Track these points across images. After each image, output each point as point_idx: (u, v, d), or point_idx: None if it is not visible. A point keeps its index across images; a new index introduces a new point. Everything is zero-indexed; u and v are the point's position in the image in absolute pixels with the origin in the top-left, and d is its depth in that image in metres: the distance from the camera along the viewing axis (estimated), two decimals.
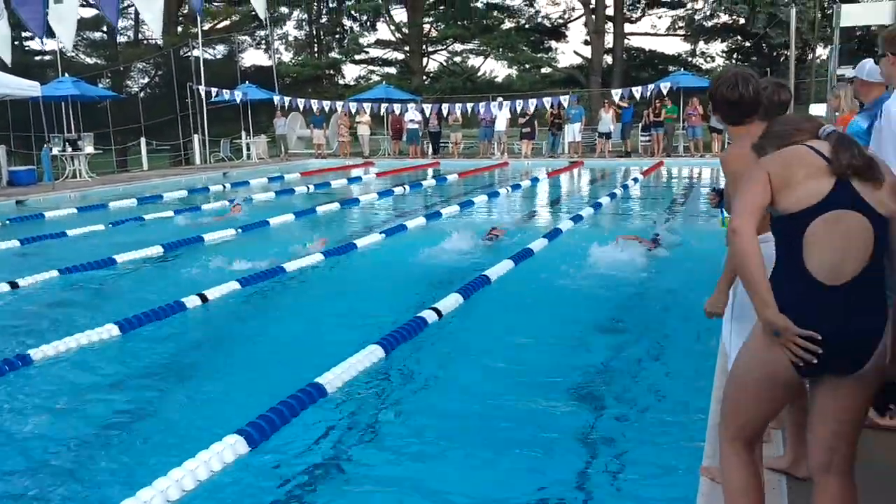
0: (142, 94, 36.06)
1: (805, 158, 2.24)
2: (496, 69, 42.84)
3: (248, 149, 26.15)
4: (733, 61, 36.28)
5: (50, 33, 23.85)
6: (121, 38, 38.84)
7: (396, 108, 24.80)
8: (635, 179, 17.14)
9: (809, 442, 2.43)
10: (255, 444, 3.71)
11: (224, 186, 17.52)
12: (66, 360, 5.37)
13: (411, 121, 24.34)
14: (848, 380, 2.23)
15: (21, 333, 6.16)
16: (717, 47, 36.25)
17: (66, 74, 21.49)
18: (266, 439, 3.78)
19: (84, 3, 19.62)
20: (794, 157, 2.26)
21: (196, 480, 3.34)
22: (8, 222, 12.17)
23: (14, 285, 7.51)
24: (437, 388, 4.72)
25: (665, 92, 22.63)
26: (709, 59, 36.86)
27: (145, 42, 39.48)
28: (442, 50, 40.00)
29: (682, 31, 35.47)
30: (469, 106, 23.87)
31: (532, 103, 23.13)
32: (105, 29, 37.39)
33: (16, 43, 20.85)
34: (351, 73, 41.43)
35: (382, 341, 5.23)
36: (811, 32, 22.71)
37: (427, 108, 24.74)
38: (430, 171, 21.29)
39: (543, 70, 36.57)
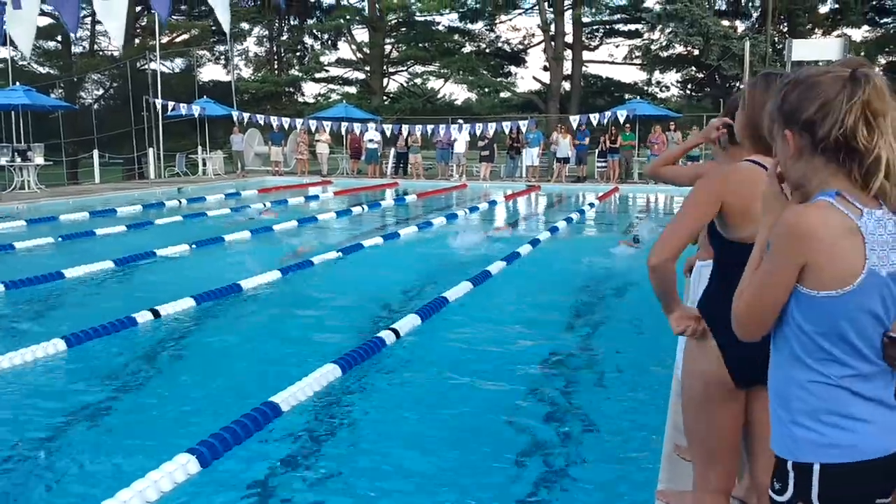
0: (96, 106, 35.44)
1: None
2: (456, 92, 43.23)
3: (204, 164, 25.81)
4: (687, 91, 37.22)
5: (1, 41, 23.39)
6: (76, 49, 38.21)
7: (356, 127, 24.79)
8: (591, 204, 17.37)
9: (750, 464, 2.46)
10: (208, 464, 3.62)
11: (179, 202, 17.24)
12: (11, 374, 5.20)
13: (370, 140, 24.33)
14: None
15: None
16: (672, 77, 37.19)
17: (18, 83, 21.02)
18: (218, 458, 3.70)
19: (41, 11, 19.23)
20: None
21: (145, 501, 3.23)
22: None
23: None
24: (394, 408, 4.68)
25: (622, 119, 23.05)
26: (664, 88, 37.78)
27: (101, 53, 38.88)
28: (403, 71, 40.25)
29: (638, 61, 36.28)
30: (429, 127, 23.98)
31: (492, 127, 23.37)
32: (59, 38, 36.74)
33: None
34: (311, 90, 41.48)
35: (340, 360, 5.17)
36: (762, 65, 23.43)
37: (387, 128, 24.78)
38: (388, 192, 21.28)
39: (503, 94, 37.01)
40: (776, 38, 30.18)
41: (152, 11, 27.01)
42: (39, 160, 19.10)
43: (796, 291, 1.64)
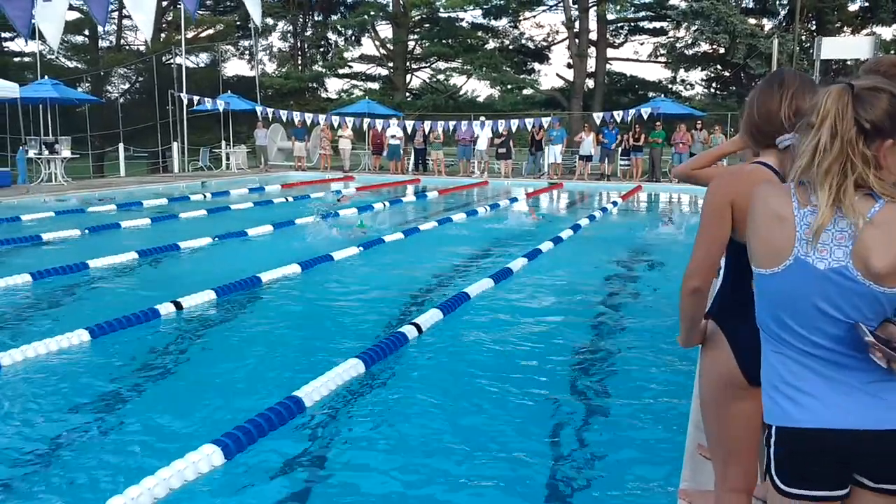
0: (121, 100, 35.79)
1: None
2: (478, 88, 43.16)
3: (228, 158, 25.97)
4: (712, 90, 36.87)
5: (30, 34, 23.65)
6: (102, 43, 38.63)
7: (378, 123, 24.80)
8: (614, 203, 17.26)
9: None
10: (232, 456, 3.64)
11: (204, 196, 17.37)
12: (37, 363, 5.26)
13: (393, 136, 24.34)
14: None
15: None
16: (696, 75, 36.87)
17: (46, 77, 21.26)
18: (242, 451, 3.72)
19: (69, 5, 19.43)
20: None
21: (168, 489, 3.26)
22: None
23: None
24: (416, 403, 4.67)
25: (646, 117, 22.88)
26: (688, 86, 37.45)
27: (127, 47, 39.27)
28: (425, 67, 40.24)
29: (663, 59, 35.97)
30: (451, 124, 23.95)
31: (514, 123, 23.29)
32: (87, 33, 37.15)
33: None
34: (334, 86, 41.52)
35: (363, 355, 5.18)
36: (789, 64, 23.15)
37: (409, 124, 24.78)
38: (410, 188, 21.30)
39: (525, 91, 36.88)
40: (804, 37, 29.80)
41: (179, 6, 27.26)
42: (66, 153, 19.33)
43: None
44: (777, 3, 32.70)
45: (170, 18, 36.76)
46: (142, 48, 37.69)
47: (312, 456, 3.93)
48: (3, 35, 34.82)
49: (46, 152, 18.71)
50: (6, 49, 36.74)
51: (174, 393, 4.90)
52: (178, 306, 6.74)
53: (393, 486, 3.63)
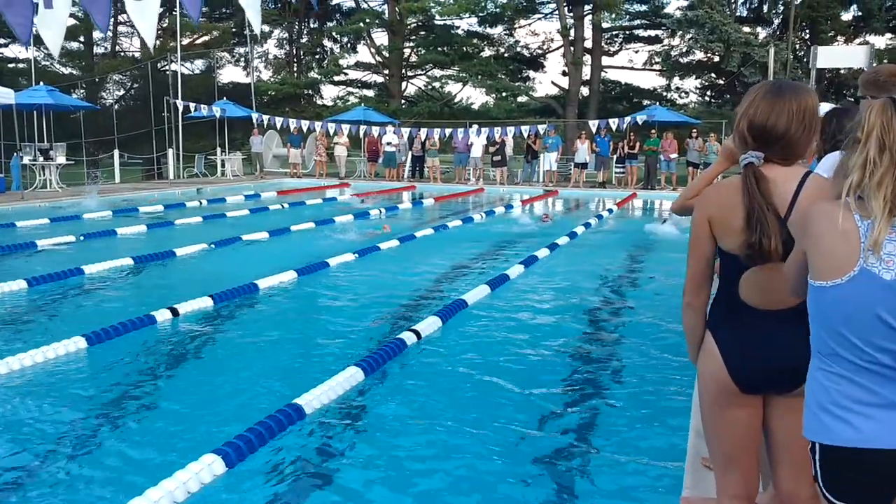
0: (116, 107, 35.74)
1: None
2: (473, 96, 43.24)
3: (223, 165, 25.94)
4: (707, 98, 37.03)
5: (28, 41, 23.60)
6: (97, 49, 38.59)
7: (374, 130, 24.80)
8: (609, 210, 17.30)
9: (773, 472, 2.44)
10: (233, 465, 3.62)
11: (199, 202, 17.34)
12: (32, 372, 5.23)
13: (388, 144, 24.34)
14: (793, 397, 2.25)
15: None
16: (691, 83, 37.00)
17: (42, 83, 21.22)
18: (243, 460, 3.69)
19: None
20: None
21: (173, 501, 3.24)
22: None
23: None
24: (416, 409, 4.65)
25: (640, 124, 22.96)
26: (683, 94, 37.60)
27: (122, 54, 39.24)
28: (421, 75, 40.28)
29: (658, 66, 36.11)
30: (447, 131, 23.97)
31: (510, 131, 23.32)
32: (82, 39, 37.11)
33: None
34: (329, 93, 41.58)
35: (362, 363, 5.16)
36: (783, 73, 23.26)
37: (405, 131, 24.79)
38: (406, 195, 21.30)
39: (520, 99, 36.96)
40: (797, 46, 29.95)
41: (174, 13, 27.25)
42: (61, 159, 19.28)
43: None
44: (771, 11, 32.89)
45: (165, 25, 36.75)
46: (137, 55, 37.69)
47: (313, 464, 3.91)
48: None
49: (41, 159, 18.65)
50: (0, 55, 36.69)
51: (172, 400, 4.86)
52: (175, 313, 6.71)
53: (394, 494, 3.61)
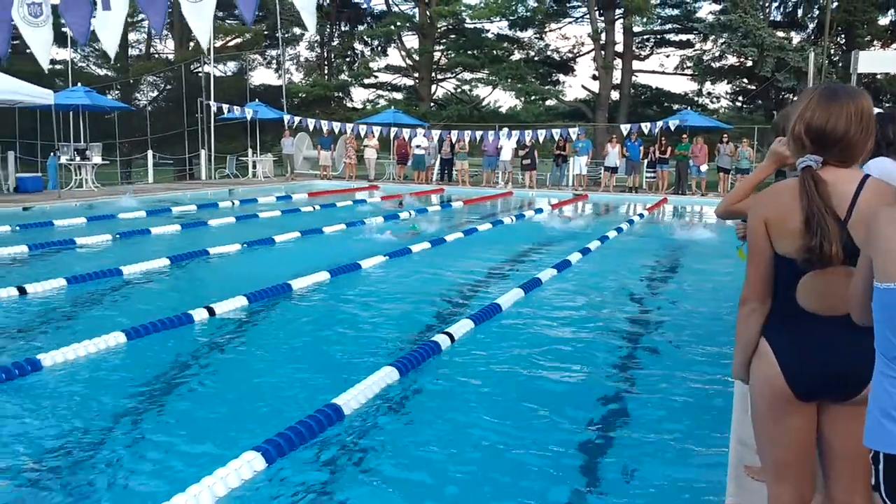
0: (149, 108, 36.25)
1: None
2: (501, 99, 43.20)
3: (254, 166, 26.18)
4: (738, 103, 36.67)
5: (62, 43, 23.99)
6: (132, 51, 39.16)
7: (405, 132, 24.87)
8: (640, 215, 17.19)
9: (826, 482, 2.40)
10: (272, 462, 3.65)
11: (232, 203, 17.53)
12: (73, 367, 5.32)
13: (418, 146, 24.40)
14: (850, 405, 2.22)
15: (29, 338, 6.11)
16: (722, 88, 36.68)
17: (79, 84, 21.58)
18: (283, 457, 3.72)
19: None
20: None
21: (214, 497, 3.27)
22: (18, 228, 12.20)
23: (22, 291, 7.47)
24: (451, 411, 4.66)
25: (673, 129, 22.78)
26: (714, 99, 37.26)
27: (156, 56, 39.79)
28: (451, 78, 40.34)
29: (689, 71, 35.82)
30: (478, 134, 23.97)
31: (541, 134, 23.25)
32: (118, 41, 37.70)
33: (28, 51, 20.93)
34: (359, 95, 41.79)
35: (397, 363, 5.18)
36: (818, 78, 22.96)
37: (436, 134, 24.83)
38: (434, 197, 21.35)
39: (548, 102, 36.89)
40: (832, 50, 29.54)
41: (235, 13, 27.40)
42: (97, 159, 19.59)
43: None
44: (806, 16, 32.48)
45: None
46: (170, 57, 38.20)
47: (350, 463, 3.93)
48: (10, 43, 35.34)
49: (78, 158, 18.97)
50: None
51: (209, 397, 4.92)
52: (212, 312, 6.78)
53: (428, 493, 3.61)
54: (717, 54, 32.74)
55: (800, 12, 32.97)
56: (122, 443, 4.12)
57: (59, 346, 5.52)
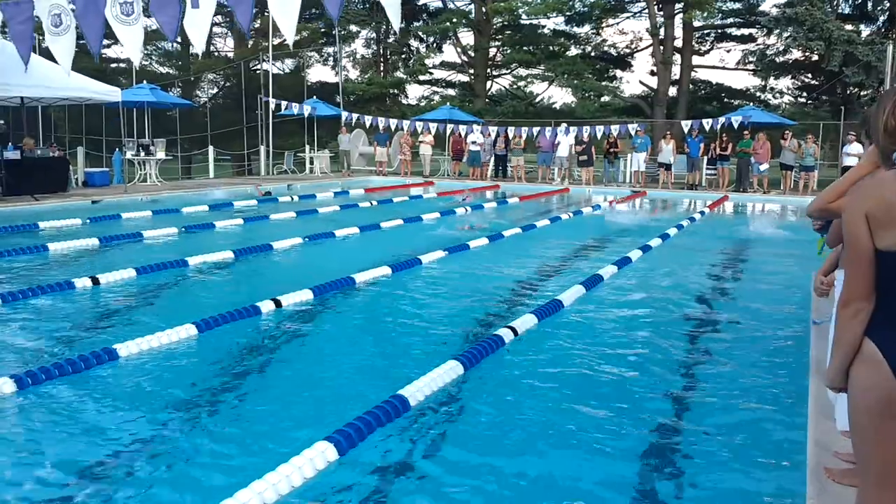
0: (209, 105, 37.03)
1: None
2: (555, 95, 42.90)
3: (312, 162, 26.51)
4: (802, 98, 35.65)
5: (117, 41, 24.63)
6: (192, 50, 40.06)
7: (461, 129, 24.86)
8: (701, 212, 16.86)
9: None
10: (344, 452, 3.69)
11: (291, 198, 17.79)
12: (146, 356, 5.46)
13: (473, 143, 24.37)
14: None
15: (106, 328, 6.30)
16: (784, 83, 35.70)
17: (144, 81, 22.16)
18: (354, 447, 3.76)
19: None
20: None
21: (291, 486, 3.32)
22: (88, 221, 12.61)
23: (95, 281, 7.71)
24: (513, 405, 4.64)
25: (736, 125, 22.29)
26: (777, 94, 36.32)
27: (217, 54, 40.61)
28: (506, 74, 40.19)
29: (751, 66, 34.96)
30: (535, 130, 23.82)
31: (599, 130, 22.98)
32: (179, 39, 38.58)
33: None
34: (414, 92, 41.95)
35: (461, 357, 5.18)
36: (891, 71, 22.15)
37: (492, 130, 24.77)
38: (490, 194, 21.31)
39: (603, 98, 36.46)
40: None
41: (266, 13, 27.93)
42: (161, 154, 20.09)
43: None
44: (877, 8, 31.37)
45: (257, 25, 37.83)
46: (230, 54, 38.94)
47: (419, 454, 3.94)
48: (103, 42, 36.47)
49: (142, 153, 19.49)
50: (103, 55, 38.49)
51: (279, 387, 5.00)
52: (278, 304, 6.89)
53: (488, 487, 3.60)
54: (781, 48, 31.86)
55: (870, 4, 31.86)
56: (192, 428, 4.21)
57: (134, 336, 5.67)
